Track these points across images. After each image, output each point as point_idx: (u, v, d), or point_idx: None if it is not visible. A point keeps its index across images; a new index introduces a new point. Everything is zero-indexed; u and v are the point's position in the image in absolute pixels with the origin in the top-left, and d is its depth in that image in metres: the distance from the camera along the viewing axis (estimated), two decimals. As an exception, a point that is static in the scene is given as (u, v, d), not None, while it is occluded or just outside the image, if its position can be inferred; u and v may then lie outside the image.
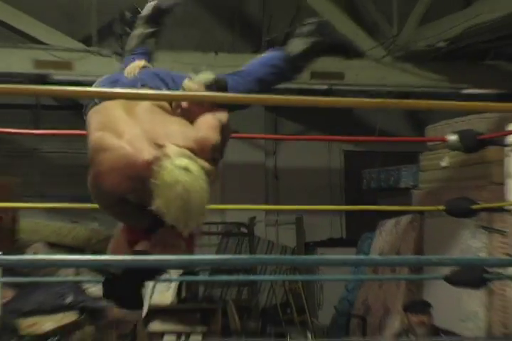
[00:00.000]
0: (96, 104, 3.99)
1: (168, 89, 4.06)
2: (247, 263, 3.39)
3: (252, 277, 10.77)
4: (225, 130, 4.00)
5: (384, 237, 9.69)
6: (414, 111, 11.64)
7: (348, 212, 11.83)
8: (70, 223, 10.13)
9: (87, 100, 4.13)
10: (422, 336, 7.34)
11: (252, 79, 4.28)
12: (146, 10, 4.63)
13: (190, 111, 4.00)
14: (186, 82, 4.08)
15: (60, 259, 3.62)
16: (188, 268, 7.54)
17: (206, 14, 11.47)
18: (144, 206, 3.62)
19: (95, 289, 8.67)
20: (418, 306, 7.72)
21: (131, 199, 3.76)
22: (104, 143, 3.73)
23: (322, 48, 4.45)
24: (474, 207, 6.26)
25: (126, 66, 4.33)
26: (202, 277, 9.60)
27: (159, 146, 3.65)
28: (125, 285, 3.98)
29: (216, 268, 9.82)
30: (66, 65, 9.68)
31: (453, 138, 6.18)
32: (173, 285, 9.66)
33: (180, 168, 3.52)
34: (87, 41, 10.03)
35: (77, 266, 7.50)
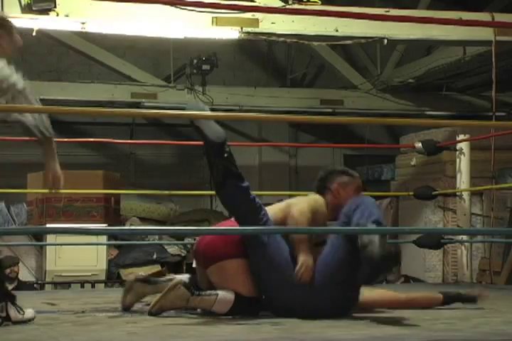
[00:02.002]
0: None
1: None
2: (280, 232, 3.34)
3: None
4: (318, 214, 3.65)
5: (371, 214, 9.61)
6: (392, 126, 11.55)
7: (346, 196, 11.74)
8: (156, 204, 10.11)
9: None
10: (392, 281, 7.31)
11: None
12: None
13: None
14: None
15: (148, 229, 3.60)
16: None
17: (248, 60, 11.44)
18: None
19: (173, 249, 8.64)
20: None
21: None
22: None
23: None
24: (434, 193, 6.21)
25: None
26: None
27: None
28: None
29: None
30: (153, 96, 9.67)
31: (419, 145, 6.13)
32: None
33: None
34: (167, 79, 10.01)
35: (159, 233, 7.50)
